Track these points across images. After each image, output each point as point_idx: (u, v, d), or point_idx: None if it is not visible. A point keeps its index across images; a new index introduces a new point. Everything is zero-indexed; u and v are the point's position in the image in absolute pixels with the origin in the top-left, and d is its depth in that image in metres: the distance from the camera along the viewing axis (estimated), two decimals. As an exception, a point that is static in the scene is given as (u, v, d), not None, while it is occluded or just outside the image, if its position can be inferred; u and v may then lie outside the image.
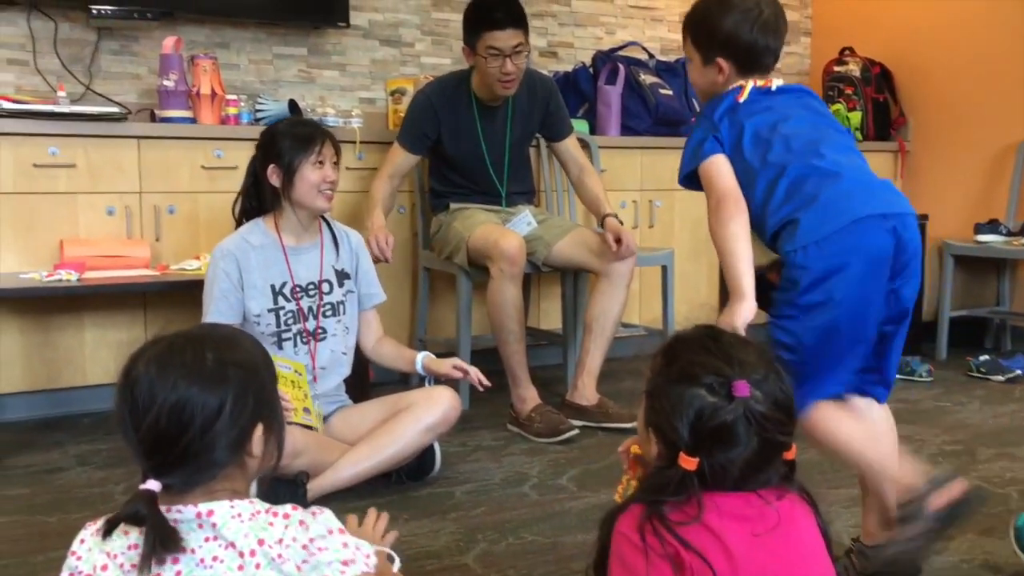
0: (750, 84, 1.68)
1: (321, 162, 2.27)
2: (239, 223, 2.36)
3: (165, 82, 3.13)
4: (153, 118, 3.24)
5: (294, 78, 3.74)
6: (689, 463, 1.12)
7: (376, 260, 2.56)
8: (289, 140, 2.27)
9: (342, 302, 2.37)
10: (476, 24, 2.85)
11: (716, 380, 1.14)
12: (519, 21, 2.83)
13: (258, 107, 3.39)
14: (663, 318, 3.34)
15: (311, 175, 2.26)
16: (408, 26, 3.94)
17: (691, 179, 1.70)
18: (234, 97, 3.31)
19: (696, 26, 1.74)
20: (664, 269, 3.34)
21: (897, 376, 3.49)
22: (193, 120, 3.16)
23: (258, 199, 2.33)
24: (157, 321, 3.02)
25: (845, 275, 1.49)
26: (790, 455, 1.19)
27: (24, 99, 3.01)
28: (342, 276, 2.38)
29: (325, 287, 2.34)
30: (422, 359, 2.33)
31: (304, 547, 1.07)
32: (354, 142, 3.27)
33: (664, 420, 1.16)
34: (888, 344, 1.62)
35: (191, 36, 3.51)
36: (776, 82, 1.71)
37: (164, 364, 1.09)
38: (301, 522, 1.09)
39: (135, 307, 3.00)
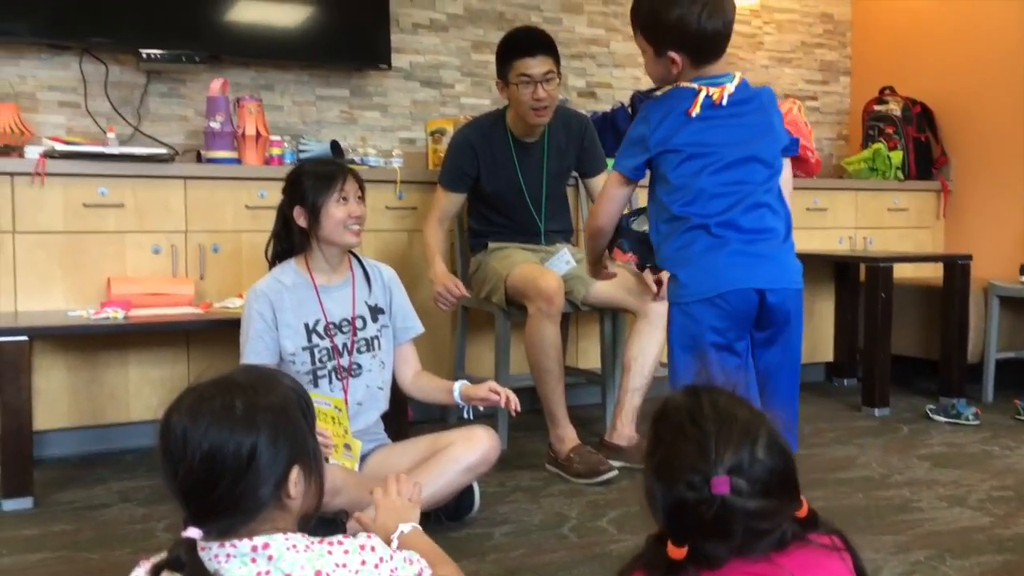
0: (703, 94, 1.74)
1: (345, 198, 2.30)
2: (272, 265, 2.38)
3: (211, 123, 3.19)
4: (199, 159, 3.31)
5: (336, 119, 3.80)
6: (676, 552, 1.09)
7: (448, 306, 2.62)
8: (311, 180, 2.30)
9: (376, 337, 2.38)
10: (507, 54, 2.92)
11: (694, 476, 1.08)
12: (549, 49, 2.91)
13: (301, 148, 3.44)
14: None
15: (336, 212, 2.29)
16: (448, 68, 3.99)
17: (640, 169, 1.84)
18: (277, 138, 3.36)
19: (644, 20, 1.79)
20: (703, 309, 3.32)
21: (943, 419, 3.45)
22: (238, 161, 3.21)
23: (288, 241, 2.36)
24: (200, 358, 3.05)
25: (702, 339, 1.70)
26: (802, 512, 1.13)
27: (75, 140, 3.09)
28: (376, 312, 2.40)
29: (359, 323, 2.36)
30: (459, 387, 2.33)
31: (358, 572, 1.09)
32: (395, 182, 3.30)
33: (649, 506, 1.13)
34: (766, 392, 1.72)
35: (237, 79, 3.58)
36: (730, 88, 1.76)
37: (196, 413, 1.12)
38: (362, 547, 1.11)
39: (179, 344, 3.04)
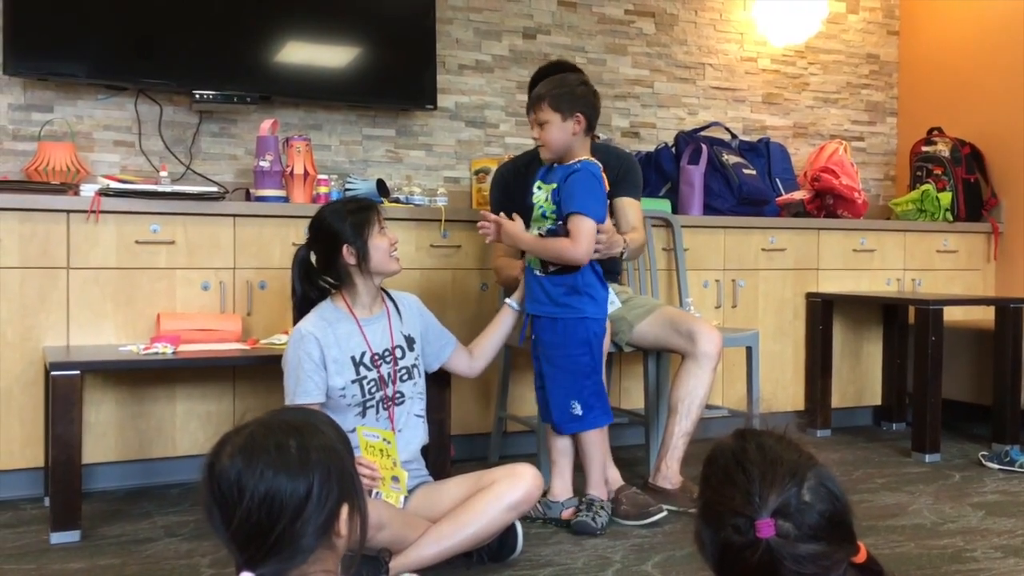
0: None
1: (383, 228, 2.38)
2: (300, 314, 2.41)
3: (261, 163, 3.25)
4: (248, 197, 3.37)
5: (382, 158, 3.85)
6: None
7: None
8: (350, 219, 2.36)
9: (415, 366, 2.43)
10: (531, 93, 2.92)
11: (739, 519, 1.08)
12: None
13: (348, 186, 3.49)
14: (748, 399, 3.28)
15: (381, 243, 2.36)
16: (493, 108, 4.04)
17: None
18: (325, 177, 3.42)
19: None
20: (749, 350, 3.30)
21: (996, 466, 3.37)
22: (286, 199, 3.27)
23: (316, 288, 2.41)
24: (246, 394, 3.08)
25: None
26: (859, 558, 1.11)
27: (129, 179, 3.16)
28: (410, 341, 2.45)
29: (399, 352, 2.40)
30: (510, 302, 2.64)
31: None
32: (439, 220, 3.33)
33: (700, 550, 1.12)
34: None
35: (286, 119, 3.65)
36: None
37: (249, 455, 1.10)
38: None
39: (225, 380, 3.07)
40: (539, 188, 2.62)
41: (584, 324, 2.60)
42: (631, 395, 3.67)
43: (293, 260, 2.45)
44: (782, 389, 3.97)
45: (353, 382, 2.32)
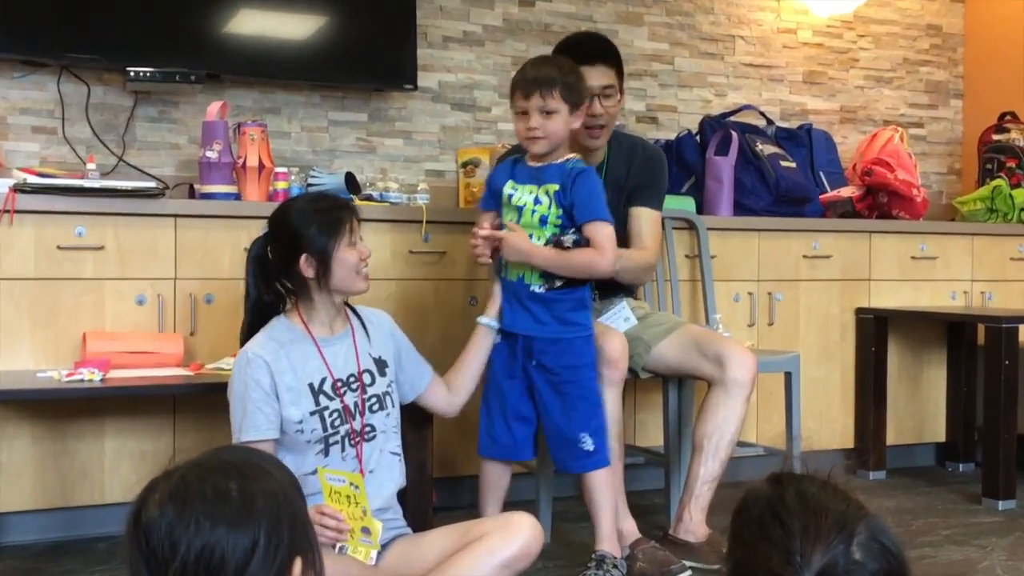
0: None
1: (354, 241, 2.37)
2: (247, 335, 2.41)
3: (208, 153, 3.25)
4: (192, 194, 3.37)
5: (352, 147, 3.85)
6: None
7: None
8: (317, 222, 2.34)
9: (387, 394, 2.42)
10: None
11: None
12: (610, 58, 2.96)
13: (311, 181, 3.49)
14: (787, 436, 3.28)
15: (349, 257, 2.35)
16: (484, 88, 4.05)
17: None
18: (284, 170, 3.42)
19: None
20: (788, 376, 3.30)
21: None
22: (237, 196, 3.27)
23: (274, 293, 2.41)
24: (189, 429, 3.07)
25: None
26: None
27: (50, 172, 3.15)
28: (381, 365, 2.44)
29: (367, 378, 2.39)
30: (484, 321, 2.66)
31: None
32: (420, 221, 3.33)
33: None
34: None
35: (238, 101, 3.66)
36: None
37: (182, 502, 1.09)
38: None
39: (163, 412, 3.06)
40: (521, 189, 2.63)
41: (591, 343, 2.65)
42: (648, 430, 3.67)
43: (248, 254, 2.44)
44: (827, 423, 3.97)
45: (312, 414, 2.31)
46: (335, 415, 2.33)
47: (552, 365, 2.62)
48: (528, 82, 2.61)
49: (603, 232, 2.60)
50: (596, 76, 2.91)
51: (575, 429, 2.62)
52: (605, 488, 2.66)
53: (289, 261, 2.35)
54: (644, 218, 3.03)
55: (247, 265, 2.43)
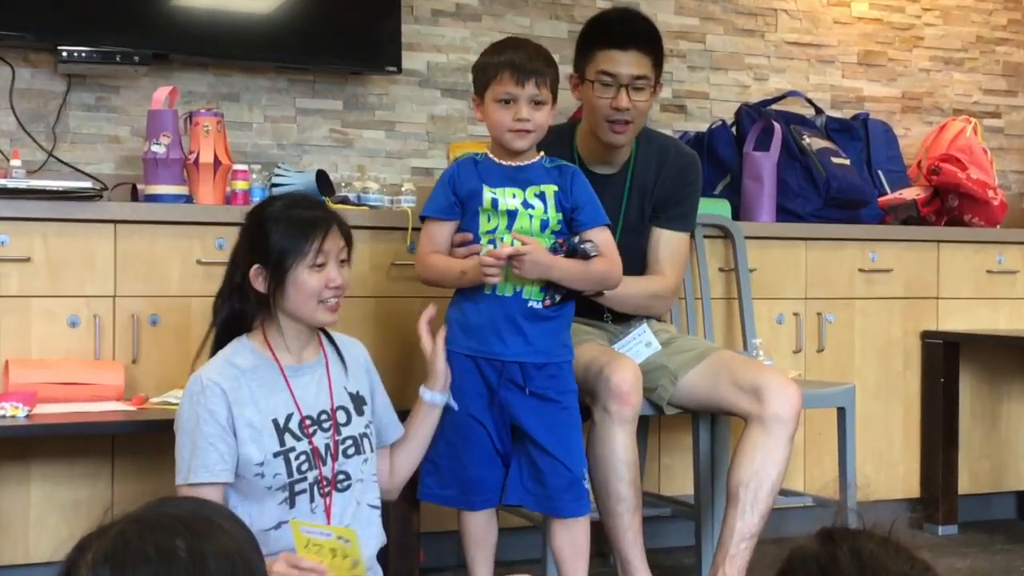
0: None
1: (321, 264, 2.34)
2: (220, 337, 2.43)
3: (154, 147, 3.26)
4: (135, 196, 3.38)
5: (324, 140, 3.87)
6: None
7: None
8: (280, 230, 2.34)
9: (365, 436, 2.43)
10: (590, 40, 2.99)
11: None
12: (648, 44, 2.97)
13: (276, 180, 3.50)
14: (839, 483, 3.28)
15: (308, 280, 2.34)
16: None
17: None
18: (244, 167, 3.43)
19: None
20: (841, 412, 3.30)
21: None
22: (189, 199, 3.28)
23: (246, 304, 2.41)
24: (129, 475, 3.07)
25: None
26: None
27: (-33, 170, 3.16)
28: (359, 401, 2.46)
29: (341, 416, 2.40)
30: (429, 396, 2.60)
31: None
32: (404, 228, 3.34)
33: None
34: None
35: (189, 86, 3.68)
36: None
37: (120, 564, 1.09)
38: None
39: (100, 455, 3.06)
40: (501, 192, 2.65)
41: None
42: (675, 476, 3.67)
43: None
44: (887, 468, 3.97)
45: (276, 455, 2.31)
46: (302, 458, 2.33)
47: (550, 393, 2.65)
48: (521, 67, 2.63)
49: (611, 239, 2.73)
50: (626, 63, 2.94)
51: (577, 464, 2.66)
52: (587, 534, 2.73)
53: (245, 268, 2.37)
54: (668, 242, 3.08)
55: (231, 257, 2.46)
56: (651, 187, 3.07)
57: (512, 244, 2.59)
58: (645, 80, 2.95)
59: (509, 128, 2.63)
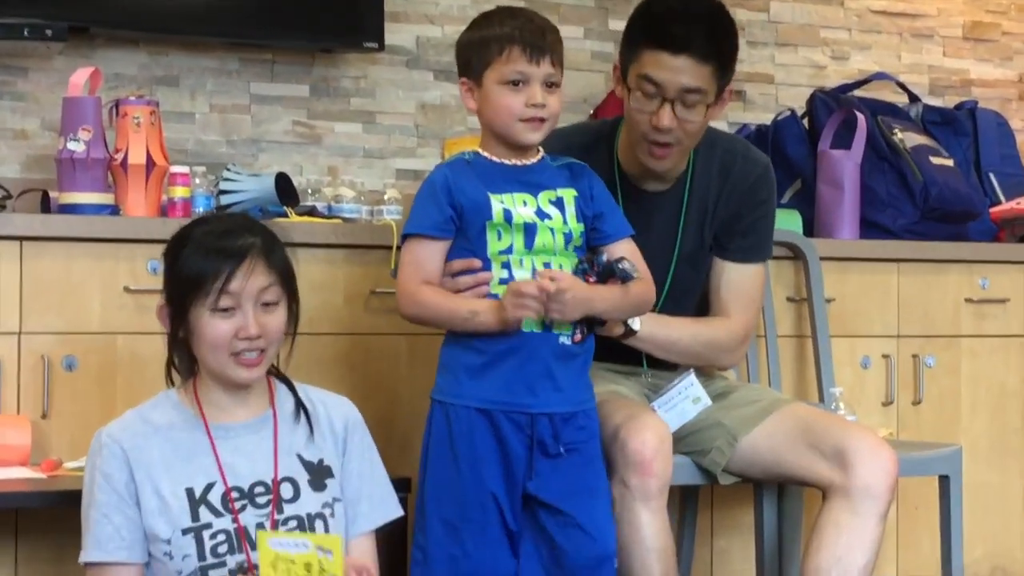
0: None
1: (228, 308, 2.34)
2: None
3: (70, 144, 3.26)
4: (47, 205, 3.38)
5: (285, 136, 3.88)
6: None
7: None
8: (185, 260, 2.37)
9: (321, 516, 2.43)
10: (636, 31, 2.92)
11: None
12: (711, 48, 2.86)
13: (224, 186, 3.49)
14: (942, 571, 3.26)
15: (212, 327, 2.35)
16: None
17: None
18: (183, 169, 3.42)
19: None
20: (945, 481, 3.29)
21: None
22: (115, 209, 3.27)
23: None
24: (37, 557, 3.05)
25: None
26: None
27: None
28: (319, 473, 2.46)
29: (286, 490, 2.41)
30: None
31: None
32: (388, 247, 3.33)
33: None
34: None
35: (116, 67, 3.69)
36: None
37: None
38: None
39: (2, 533, 3.05)
40: (511, 200, 2.64)
41: None
42: (732, 563, 3.66)
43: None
44: (1003, 552, 3.96)
45: (186, 532, 2.33)
46: (220, 538, 2.34)
47: (585, 448, 2.66)
48: (534, 42, 2.63)
49: (638, 252, 2.76)
50: (675, 71, 2.83)
51: (606, 536, 2.66)
52: None
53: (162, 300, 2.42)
54: (736, 277, 3.07)
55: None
56: (712, 207, 3.04)
57: (533, 276, 2.60)
58: (699, 95, 2.86)
59: (521, 117, 2.62)
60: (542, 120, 2.63)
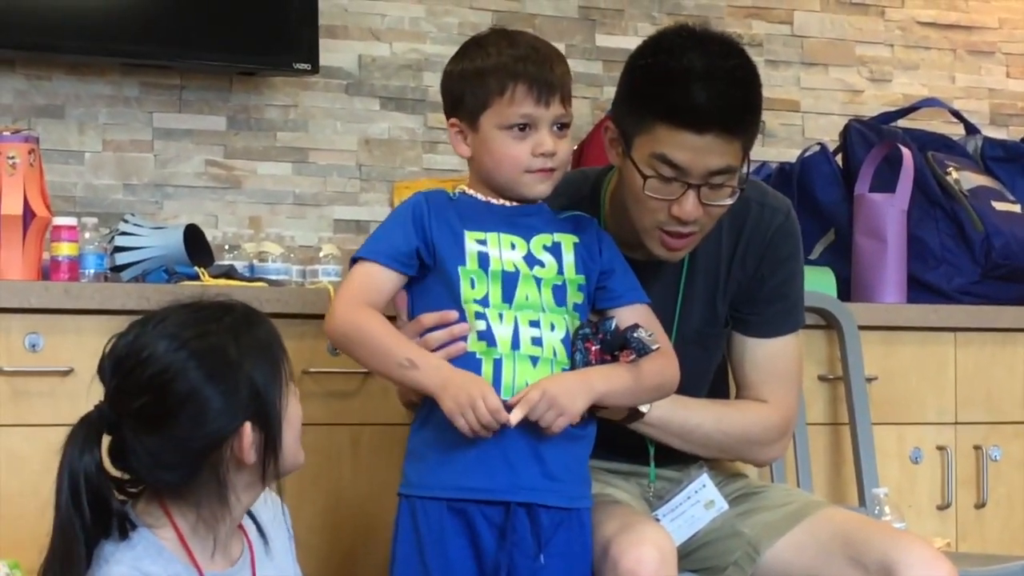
0: None
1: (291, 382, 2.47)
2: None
3: (-74, 188, 3.28)
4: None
5: (198, 179, 3.91)
6: None
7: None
8: (254, 361, 2.43)
9: None
10: (646, 98, 2.84)
11: None
12: (740, 120, 2.80)
13: (120, 242, 3.49)
14: None
15: (296, 413, 2.50)
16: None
17: None
18: (71, 221, 3.42)
19: None
20: (1017, 605, 3.30)
21: None
22: (-19, 271, 3.28)
23: (108, 515, 2.43)
24: None
25: None
26: None
27: None
28: None
29: None
30: None
31: None
32: (320, 317, 3.34)
33: None
34: None
35: (-14, 93, 3.71)
36: None
37: None
38: None
39: None
40: (493, 239, 2.67)
41: None
42: None
43: (63, 458, 2.43)
44: None
45: None
46: None
47: (578, 553, 2.68)
48: (543, 78, 2.65)
49: (658, 323, 2.79)
50: (703, 153, 2.75)
51: None
52: None
53: (202, 441, 2.40)
54: (765, 354, 3.07)
55: (60, 474, 2.42)
56: (725, 272, 3.04)
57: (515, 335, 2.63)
58: (728, 175, 2.80)
59: (528, 168, 2.64)
60: (552, 170, 2.66)
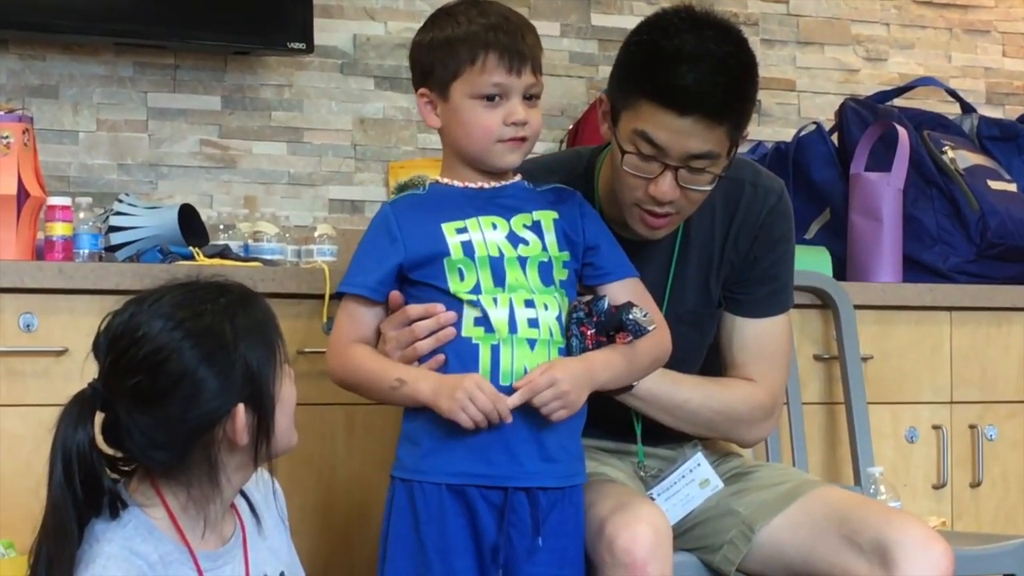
0: None
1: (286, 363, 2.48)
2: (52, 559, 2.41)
3: (-80, 169, 3.27)
4: None
5: (193, 158, 3.91)
6: None
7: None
8: (246, 342, 2.43)
9: None
10: (635, 74, 2.85)
11: None
12: (727, 106, 2.80)
13: (115, 221, 3.49)
14: None
15: (290, 394, 2.51)
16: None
17: None
18: (65, 201, 3.42)
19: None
20: (1011, 583, 3.32)
21: None
22: (-24, 251, 3.28)
23: (99, 493, 2.43)
24: None
25: None
26: None
27: None
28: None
29: None
30: None
31: None
32: (320, 296, 3.34)
33: None
34: None
35: (-21, 73, 3.71)
36: None
37: None
38: None
39: None
40: (474, 224, 2.67)
41: None
42: None
43: (56, 434, 2.44)
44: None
45: None
46: None
47: (565, 536, 2.69)
48: (514, 47, 2.66)
49: (648, 296, 2.81)
50: (683, 134, 2.76)
51: None
52: None
53: (195, 422, 2.40)
54: (755, 334, 3.08)
55: (54, 450, 2.43)
56: (719, 253, 3.04)
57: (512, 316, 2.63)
58: (708, 159, 2.81)
59: (499, 137, 2.65)
60: (523, 139, 2.66)
